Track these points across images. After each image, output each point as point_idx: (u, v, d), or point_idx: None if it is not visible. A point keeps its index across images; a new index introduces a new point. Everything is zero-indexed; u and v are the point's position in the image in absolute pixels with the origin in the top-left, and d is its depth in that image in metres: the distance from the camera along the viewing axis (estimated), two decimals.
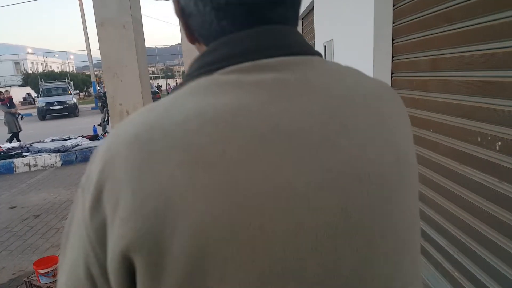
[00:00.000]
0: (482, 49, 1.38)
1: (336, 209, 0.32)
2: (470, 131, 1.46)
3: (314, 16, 4.28)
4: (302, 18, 5.93)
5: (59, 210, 4.39)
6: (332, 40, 3.35)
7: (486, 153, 1.37)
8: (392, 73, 2.29)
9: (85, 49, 19.23)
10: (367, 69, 2.35)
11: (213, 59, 0.37)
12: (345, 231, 0.33)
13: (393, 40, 2.25)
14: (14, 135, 8.64)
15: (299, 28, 6.09)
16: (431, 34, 1.78)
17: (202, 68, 0.38)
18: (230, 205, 0.29)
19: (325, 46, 3.50)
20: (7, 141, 8.04)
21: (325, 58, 3.42)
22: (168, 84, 32.44)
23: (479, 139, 1.40)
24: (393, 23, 2.23)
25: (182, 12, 0.42)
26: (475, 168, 1.43)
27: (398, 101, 0.45)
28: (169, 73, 52.68)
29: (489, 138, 1.34)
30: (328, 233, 0.32)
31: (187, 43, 0.47)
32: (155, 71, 49.65)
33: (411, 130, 0.44)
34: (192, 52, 0.47)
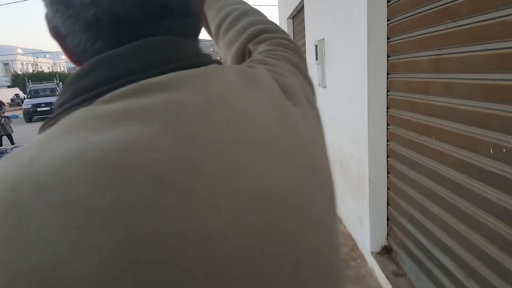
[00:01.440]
0: (492, 48, 1.22)
1: (259, 245, 0.29)
2: (481, 141, 1.29)
3: (305, 15, 4.12)
4: (292, 17, 5.76)
5: None
6: (323, 39, 3.19)
7: (500, 167, 1.20)
8: (387, 74, 2.13)
9: None
10: (361, 69, 2.20)
11: (89, 84, 0.31)
12: (271, 268, 0.29)
13: (388, 38, 2.09)
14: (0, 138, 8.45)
15: (289, 28, 5.94)
16: (431, 32, 1.62)
17: (76, 96, 0.31)
18: (129, 266, 0.23)
19: (316, 46, 3.33)
20: None
21: (316, 58, 3.30)
22: None
23: (491, 151, 1.24)
24: (388, 20, 2.08)
25: (55, 33, 0.35)
26: (487, 183, 1.27)
27: (310, 95, 0.43)
28: None
29: (504, 150, 1.18)
30: (255, 275, 0.28)
31: None
32: None
33: (322, 125, 0.42)
34: None
